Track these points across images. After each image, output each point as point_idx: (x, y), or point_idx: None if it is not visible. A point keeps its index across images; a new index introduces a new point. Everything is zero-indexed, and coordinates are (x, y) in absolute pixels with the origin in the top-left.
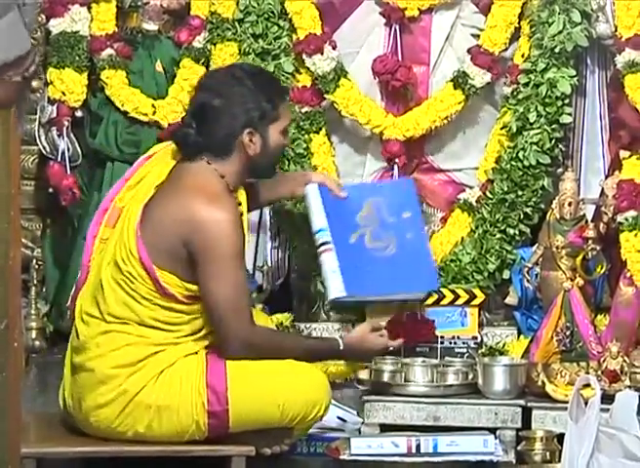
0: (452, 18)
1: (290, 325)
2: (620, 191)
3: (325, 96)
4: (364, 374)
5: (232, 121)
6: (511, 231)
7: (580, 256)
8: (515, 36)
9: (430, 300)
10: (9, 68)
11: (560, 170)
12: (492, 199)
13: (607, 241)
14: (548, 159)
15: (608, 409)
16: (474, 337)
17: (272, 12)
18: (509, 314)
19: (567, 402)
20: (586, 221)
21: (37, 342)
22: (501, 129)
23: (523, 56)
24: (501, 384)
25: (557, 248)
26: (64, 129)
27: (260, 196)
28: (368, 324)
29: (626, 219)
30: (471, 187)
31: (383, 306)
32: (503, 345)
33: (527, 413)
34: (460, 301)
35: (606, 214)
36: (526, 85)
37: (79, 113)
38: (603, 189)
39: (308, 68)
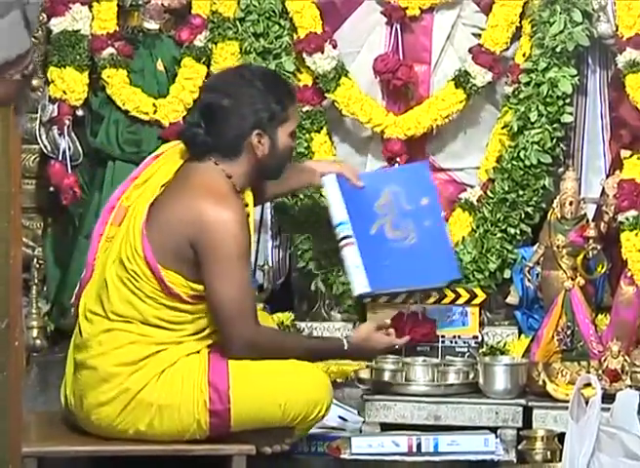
0: (453, 17)
1: (291, 324)
2: (621, 191)
3: (326, 95)
4: (365, 374)
5: (241, 122)
6: (512, 230)
7: (581, 256)
8: (516, 36)
9: (431, 299)
10: (10, 67)
11: (561, 169)
12: (493, 198)
13: (608, 240)
14: (549, 158)
15: (609, 409)
16: (475, 337)
17: (273, 11)
18: (510, 313)
19: (568, 401)
20: (587, 221)
21: (38, 341)
22: (503, 128)
23: (524, 55)
24: (502, 383)
25: (558, 247)
26: (65, 128)
27: (276, 186)
28: (373, 322)
29: (627, 219)
30: (472, 187)
31: (384, 305)
32: (504, 344)
33: (528, 413)
34: (460, 301)
35: (607, 213)
36: (527, 84)
37: (80, 112)
38: (604, 189)
39: (309, 67)
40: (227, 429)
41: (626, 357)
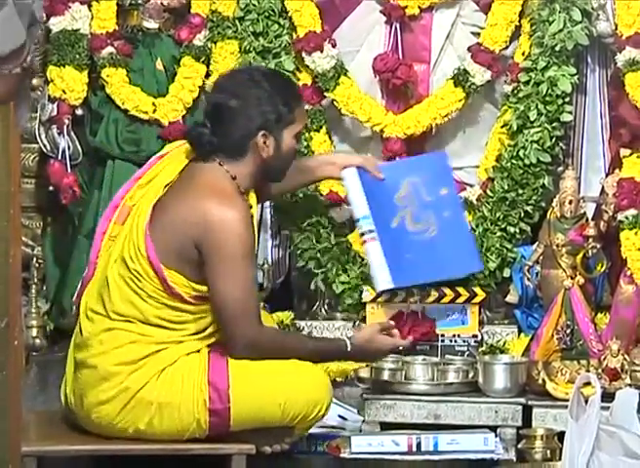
0: (452, 16)
1: (290, 323)
2: (621, 189)
3: (325, 94)
4: (365, 373)
5: (248, 122)
6: (512, 229)
7: (581, 255)
8: (516, 34)
9: (431, 298)
10: (6, 61)
11: (560, 168)
12: (492, 197)
13: (607, 239)
14: (549, 157)
15: (608, 408)
16: (475, 336)
17: (273, 10)
18: (510, 312)
19: (567, 400)
20: (587, 220)
21: (37, 341)
22: (502, 127)
23: (523, 54)
24: (502, 382)
25: (557, 246)
26: (65, 127)
27: (293, 179)
28: (376, 323)
29: (627, 218)
30: (472, 185)
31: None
32: (504, 343)
33: (527, 411)
34: (460, 299)
35: (606, 212)
36: (526, 83)
37: (79, 111)
38: (603, 187)
39: (308, 66)
40: (227, 428)
41: (626, 356)
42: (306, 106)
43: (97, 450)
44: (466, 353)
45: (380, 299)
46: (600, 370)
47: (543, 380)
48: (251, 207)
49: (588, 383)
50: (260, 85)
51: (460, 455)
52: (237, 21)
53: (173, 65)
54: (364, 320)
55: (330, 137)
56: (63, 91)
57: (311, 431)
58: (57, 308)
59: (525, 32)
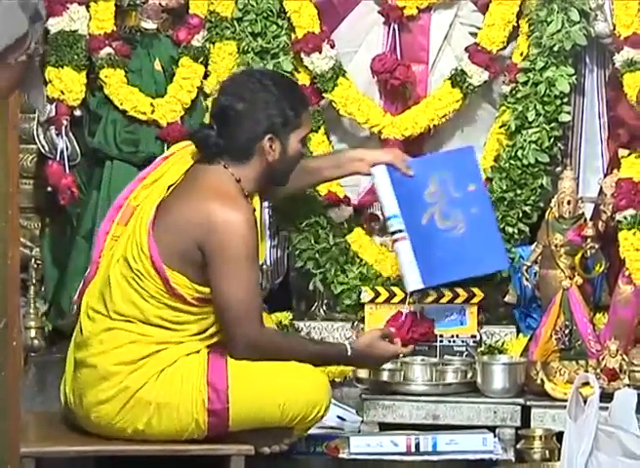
0: (450, 16)
1: (289, 323)
2: (619, 190)
3: (323, 94)
4: (363, 373)
5: (255, 126)
6: (510, 230)
7: (579, 255)
8: (514, 35)
9: (429, 299)
10: (12, 50)
11: (559, 168)
12: (491, 197)
13: (606, 239)
14: (547, 158)
15: (607, 408)
16: (473, 336)
17: (271, 10)
18: (508, 312)
19: (566, 400)
20: (585, 220)
21: (36, 341)
22: (500, 127)
23: (522, 54)
24: (501, 383)
25: (556, 246)
26: (63, 128)
27: (319, 173)
28: (377, 329)
29: (625, 218)
30: None
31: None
32: (502, 344)
33: (526, 412)
34: (459, 300)
35: (605, 212)
36: (525, 83)
37: (78, 112)
38: (602, 188)
39: (307, 67)
40: (226, 429)
41: (624, 356)
42: None
43: (95, 451)
44: (465, 353)
45: (378, 300)
46: (599, 371)
47: (542, 380)
48: (254, 210)
49: (587, 383)
50: (267, 88)
51: (459, 456)
52: (235, 22)
53: (171, 66)
54: (362, 320)
55: (328, 138)
56: (62, 91)
57: (310, 432)
58: (55, 309)
59: (523, 33)
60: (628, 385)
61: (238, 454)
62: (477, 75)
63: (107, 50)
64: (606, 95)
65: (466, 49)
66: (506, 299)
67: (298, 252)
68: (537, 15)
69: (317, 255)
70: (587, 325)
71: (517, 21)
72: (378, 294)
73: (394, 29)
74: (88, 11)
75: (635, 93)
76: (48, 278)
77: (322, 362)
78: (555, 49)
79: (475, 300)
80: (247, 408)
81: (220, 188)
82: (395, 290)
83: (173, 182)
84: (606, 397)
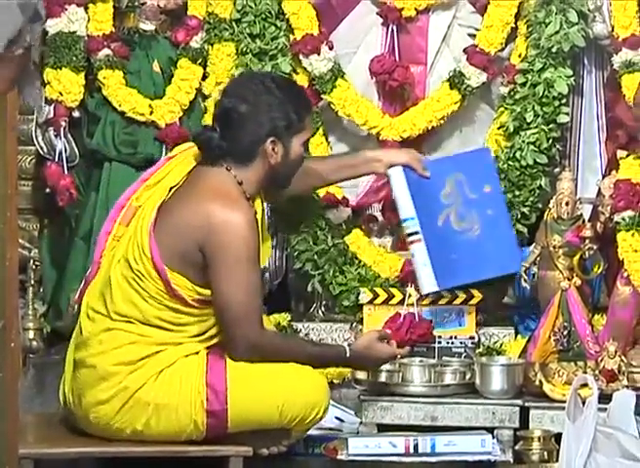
0: (449, 18)
1: (287, 325)
2: (618, 191)
3: (322, 96)
4: (362, 375)
5: (258, 128)
6: None
7: (578, 256)
8: (512, 36)
9: (428, 300)
10: (13, 43)
11: (557, 169)
12: None
13: (604, 240)
14: (546, 159)
15: (605, 409)
16: (472, 337)
17: (269, 12)
18: (507, 314)
19: (564, 401)
20: (584, 221)
21: (34, 343)
22: (499, 129)
23: (520, 56)
24: (499, 384)
25: (554, 247)
26: (62, 129)
27: (335, 173)
28: (375, 331)
29: (623, 219)
30: None
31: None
32: (501, 345)
33: (524, 413)
34: (457, 301)
35: (603, 213)
36: (523, 85)
37: (76, 113)
38: (600, 189)
39: (305, 69)
40: (224, 430)
41: (623, 357)
42: None
43: (94, 453)
44: (463, 355)
45: (376, 301)
46: (597, 372)
47: (540, 382)
48: (256, 213)
49: (585, 385)
50: (271, 91)
51: (458, 457)
52: (234, 23)
53: (169, 67)
54: (361, 322)
55: (326, 139)
56: (60, 93)
57: (309, 433)
58: (53, 310)
59: (521, 34)
60: (627, 386)
61: (237, 456)
62: (475, 76)
63: (106, 51)
64: (604, 96)
65: (465, 50)
66: (505, 301)
67: (296, 253)
68: (535, 16)
69: (316, 257)
70: (586, 326)
71: (515, 23)
72: (376, 296)
73: (393, 31)
74: (86, 12)
75: (633, 94)
76: (46, 279)
77: (321, 363)
78: (553, 50)
79: (474, 302)
80: (246, 409)
81: (221, 190)
82: (394, 291)
83: (175, 184)
84: (604, 398)
